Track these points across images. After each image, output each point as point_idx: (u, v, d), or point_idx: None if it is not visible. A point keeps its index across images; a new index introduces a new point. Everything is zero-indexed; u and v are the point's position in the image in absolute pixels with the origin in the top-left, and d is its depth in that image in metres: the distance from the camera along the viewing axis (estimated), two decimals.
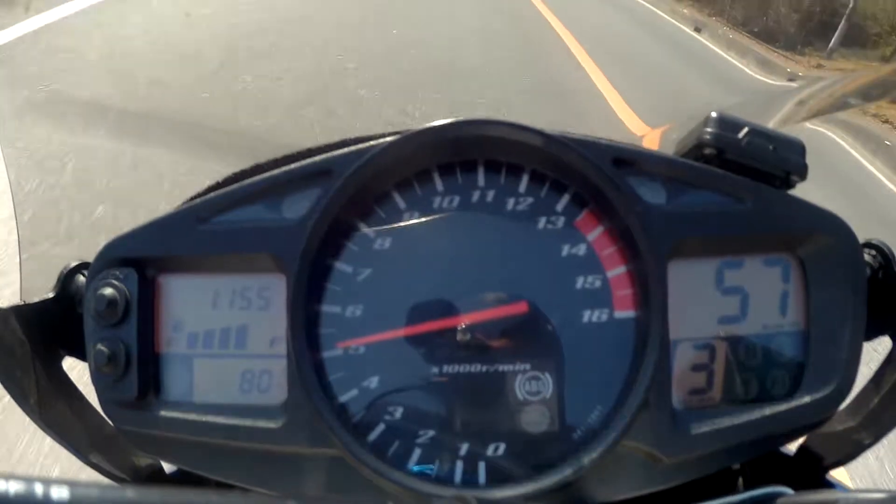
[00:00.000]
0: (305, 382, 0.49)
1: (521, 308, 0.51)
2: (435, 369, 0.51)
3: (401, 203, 0.53)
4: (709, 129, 0.54)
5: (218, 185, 0.57)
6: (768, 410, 0.53)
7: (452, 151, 0.52)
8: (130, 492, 0.27)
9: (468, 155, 0.53)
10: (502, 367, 0.51)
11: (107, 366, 0.52)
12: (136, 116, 3.49)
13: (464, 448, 0.50)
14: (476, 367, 0.51)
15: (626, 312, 0.52)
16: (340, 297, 0.52)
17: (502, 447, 0.50)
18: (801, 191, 0.55)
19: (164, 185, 2.78)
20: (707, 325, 0.54)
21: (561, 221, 0.53)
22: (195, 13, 5.57)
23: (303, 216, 0.52)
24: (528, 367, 0.51)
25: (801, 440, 0.61)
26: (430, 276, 0.52)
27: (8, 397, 0.53)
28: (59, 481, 0.26)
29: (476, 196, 0.53)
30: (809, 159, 0.54)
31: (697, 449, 0.51)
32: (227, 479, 0.54)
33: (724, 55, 8.02)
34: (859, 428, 0.58)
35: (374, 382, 0.51)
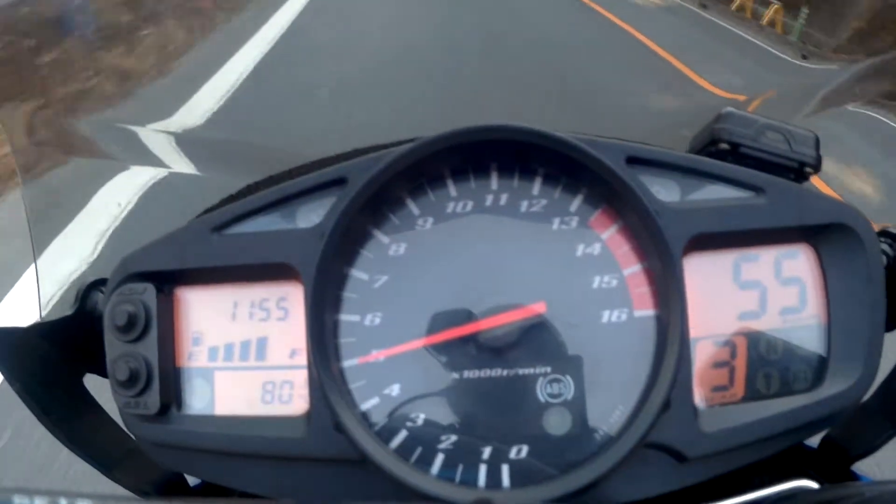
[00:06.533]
0: (327, 392, 0.49)
1: (539, 309, 0.51)
2: (456, 375, 0.51)
3: (415, 209, 0.53)
4: (722, 125, 0.54)
5: (232, 197, 0.57)
6: (791, 404, 0.52)
7: (465, 157, 0.52)
8: None
9: (481, 159, 0.53)
10: (523, 371, 0.51)
11: (127, 381, 0.52)
12: None
13: (486, 452, 0.50)
14: (497, 372, 0.51)
15: (645, 311, 0.52)
16: (358, 306, 0.52)
17: (525, 450, 0.50)
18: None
19: None
20: (727, 320, 0.54)
21: (575, 221, 0.53)
22: None
23: (318, 224, 0.52)
24: (548, 369, 0.51)
25: (824, 433, 0.61)
26: (446, 282, 0.52)
27: (31, 414, 0.53)
28: (84, 495, 0.27)
29: (489, 200, 0.53)
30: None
31: (721, 446, 0.51)
32: (251, 490, 0.54)
33: None
34: (883, 418, 0.58)
35: (395, 390, 0.51)
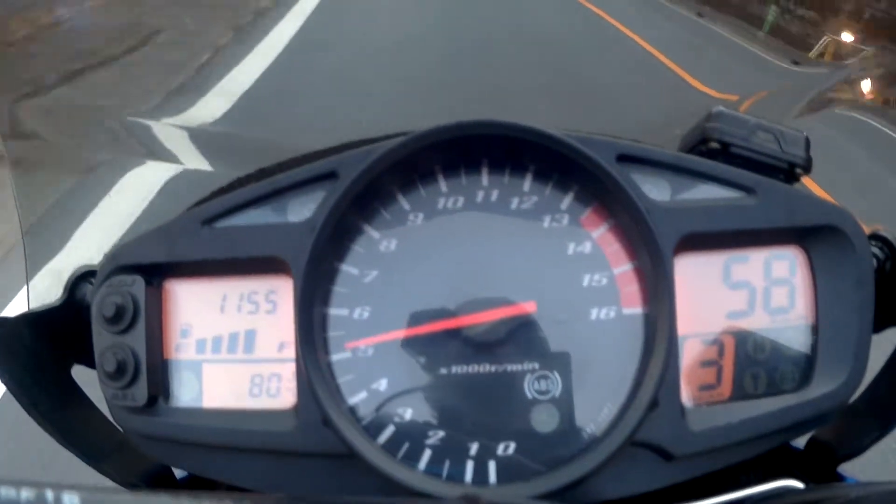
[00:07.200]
0: (314, 386, 0.49)
1: (529, 307, 0.51)
2: (444, 370, 0.51)
3: (405, 204, 0.53)
4: (713, 124, 0.54)
5: (223, 190, 0.57)
6: (778, 404, 0.53)
7: (456, 152, 0.52)
8: (141, 497, 0.28)
9: (472, 155, 0.53)
10: (511, 367, 0.51)
11: (115, 373, 0.52)
12: None
13: (474, 448, 0.50)
14: (485, 368, 0.51)
15: (633, 309, 0.52)
16: (347, 300, 0.52)
17: (512, 446, 0.50)
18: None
19: None
20: (715, 320, 0.54)
21: (566, 219, 0.53)
22: None
23: (308, 218, 0.52)
24: (536, 366, 0.51)
25: (810, 433, 0.61)
26: (436, 277, 0.52)
27: (18, 405, 0.53)
28: (71, 487, 0.26)
29: (480, 196, 0.53)
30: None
31: (707, 444, 0.51)
32: (238, 483, 0.54)
33: None
34: (870, 420, 0.58)
35: (383, 385, 0.51)
